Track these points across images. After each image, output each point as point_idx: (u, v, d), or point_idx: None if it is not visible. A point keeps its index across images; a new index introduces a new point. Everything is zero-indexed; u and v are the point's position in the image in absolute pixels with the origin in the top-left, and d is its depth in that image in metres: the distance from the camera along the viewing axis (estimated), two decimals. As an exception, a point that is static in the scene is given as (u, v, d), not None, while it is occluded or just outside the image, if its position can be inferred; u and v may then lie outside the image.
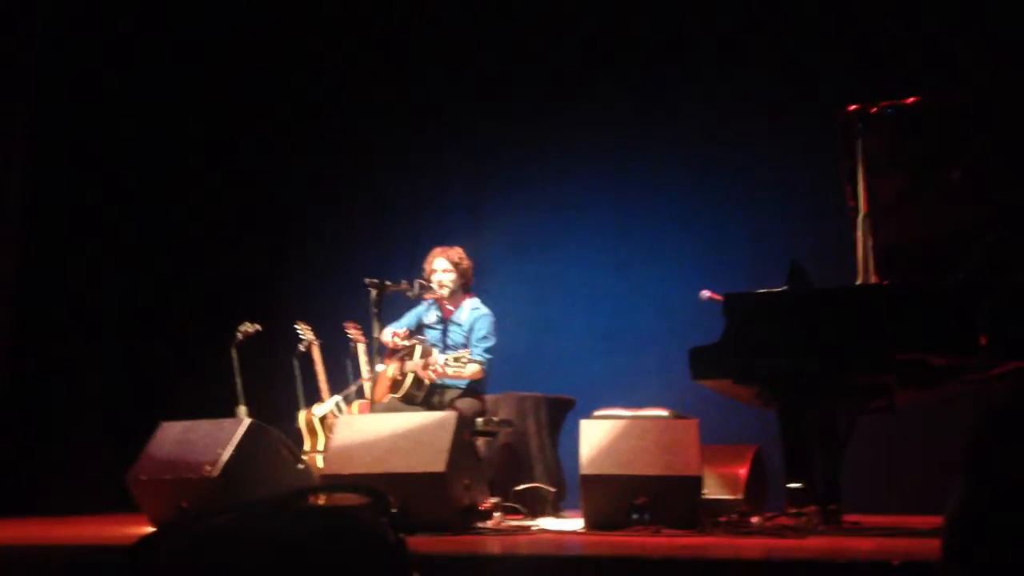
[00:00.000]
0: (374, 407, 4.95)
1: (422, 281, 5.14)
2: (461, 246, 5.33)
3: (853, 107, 4.04)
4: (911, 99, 4.03)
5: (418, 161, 7.07)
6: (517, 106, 6.83)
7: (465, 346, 5.01)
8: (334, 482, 3.85)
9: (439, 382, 5.11)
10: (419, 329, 5.33)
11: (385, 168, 7.13)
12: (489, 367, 5.11)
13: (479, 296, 5.34)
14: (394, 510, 1.12)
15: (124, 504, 4.38)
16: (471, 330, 5.14)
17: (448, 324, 5.23)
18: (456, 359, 4.73)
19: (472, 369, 5.00)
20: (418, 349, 5.09)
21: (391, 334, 5.14)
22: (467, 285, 5.26)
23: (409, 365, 5.04)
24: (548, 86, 6.78)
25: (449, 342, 5.18)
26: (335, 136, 7.13)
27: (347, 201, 7.16)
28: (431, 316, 5.30)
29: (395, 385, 5.10)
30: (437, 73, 6.99)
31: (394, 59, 7.04)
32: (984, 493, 1.05)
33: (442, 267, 5.16)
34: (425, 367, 4.97)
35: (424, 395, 5.04)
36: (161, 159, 6.87)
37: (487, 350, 5.08)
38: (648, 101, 6.51)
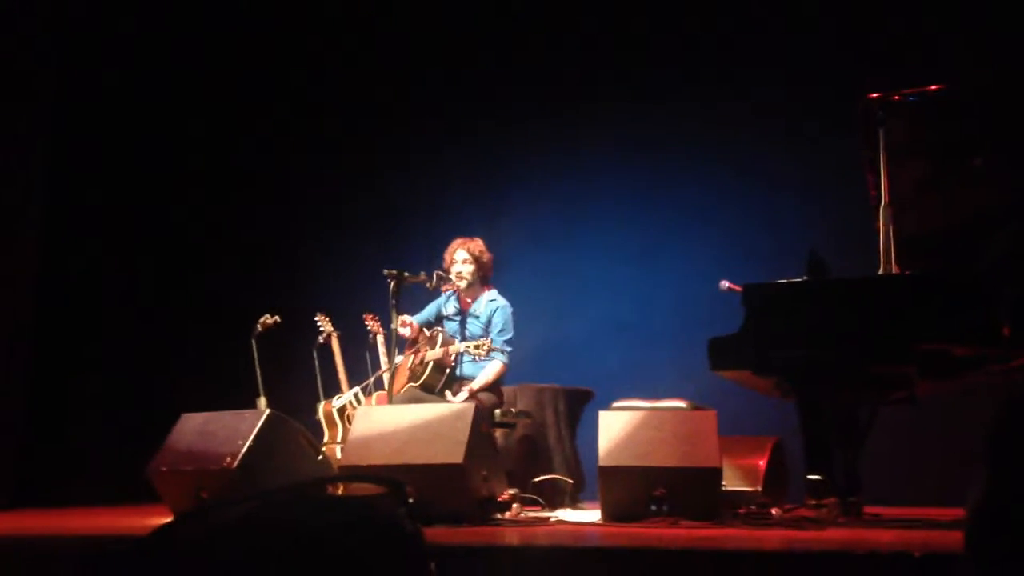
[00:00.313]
0: (393, 397, 4.97)
1: (440, 272, 5.16)
2: (480, 238, 5.34)
3: (874, 95, 4.00)
4: (934, 86, 3.98)
5: (437, 153, 7.08)
6: (535, 97, 6.82)
7: (484, 337, 5.02)
8: (352, 473, 3.86)
9: (459, 373, 5.13)
10: (438, 320, 5.36)
11: (404, 159, 7.15)
12: (508, 359, 5.12)
13: (497, 288, 5.34)
14: (411, 500, 1.12)
15: (145, 495, 4.42)
16: (489, 323, 5.15)
17: (466, 316, 5.25)
18: (476, 347, 4.74)
19: (496, 369, 5.01)
20: (439, 338, 5.11)
21: (399, 322, 5.19)
22: (486, 277, 5.27)
23: (430, 355, 5.06)
24: (568, 77, 6.77)
25: (467, 334, 5.20)
26: (353, 127, 7.15)
27: (365, 192, 7.18)
28: (449, 308, 5.32)
29: (414, 374, 5.12)
30: (459, 63, 7.00)
31: (415, 50, 7.06)
32: (1006, 484, 1.03)
33: (462, 259, 5.17)
34: (446, 355, 4.99)
35: (443, 383, 5.06)
36: (173, 156, 6.90)
37: (507, 342, 5.09)
38: (666, 91, 6.49)
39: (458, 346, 4.95)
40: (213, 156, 7.00)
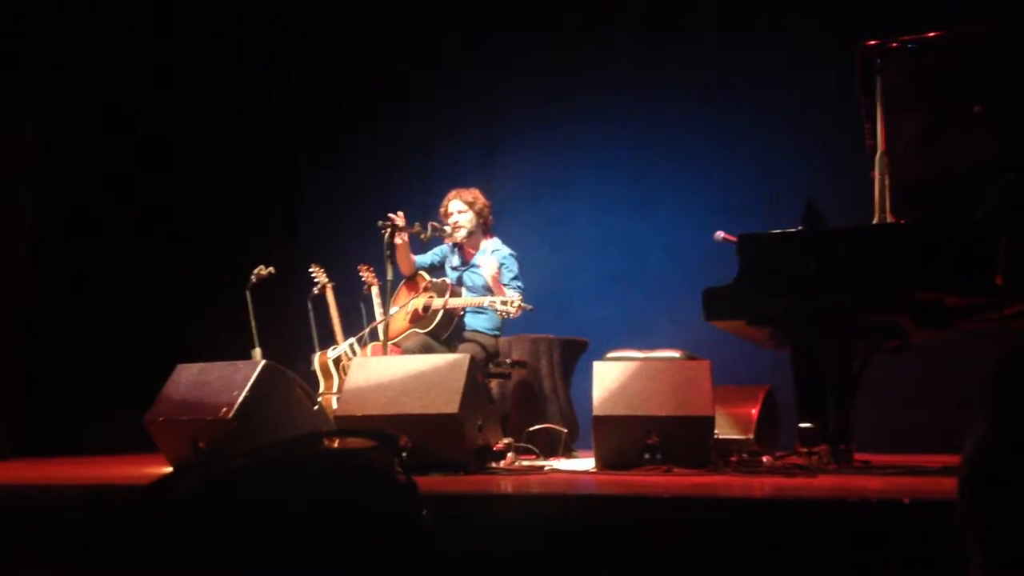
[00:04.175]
0: (397, 339, 4.99)
1: (434, 223, 5.13)
2: (476, 187, 5.30)
3: (872, 42, 3.95)
4: (932, 33, 3.93)
5: (431, 103, 7.01)
6: (529, 45, 6.74)
7: (487, 288, 5.00)
8: (348, 424, 3.88)
9: (465, 326, 5.12)
10: (434, 270, 5.35)
11: (398, 110, 7.08)
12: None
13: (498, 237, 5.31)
14: (404, 454, 1.13)
15: (145, 444, 4.45)
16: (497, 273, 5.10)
17: (469, 268, 5.22)
18: (504, 303, 4.68)
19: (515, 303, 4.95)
20: (448, 288, 5.10)
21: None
22: (486, 225, 5.23)
23: (437, 302, 5.04)
24: (561, 24, 6.68)
25: (469, 283, 5.18)
26: (348, 78, 7.07)
27: (360, 144, 7.13)
28: (455, 260, 5.30)
29: (417, 318, 5.09)
30: (451, 14, 6.89)
31: (408, 2, 6.95)
32: (1003, 434, 1.03)
33: (457, 208, 5.14)
34: (456, 306, 4.96)
35: (452, 330, 5.05)
36: (174, 104, 6.82)
37: (520, 289, 5.02)
38: (662, 40, 6.41)
39: (482, 299, 4.89)
40: (209, 106, 6.92)
